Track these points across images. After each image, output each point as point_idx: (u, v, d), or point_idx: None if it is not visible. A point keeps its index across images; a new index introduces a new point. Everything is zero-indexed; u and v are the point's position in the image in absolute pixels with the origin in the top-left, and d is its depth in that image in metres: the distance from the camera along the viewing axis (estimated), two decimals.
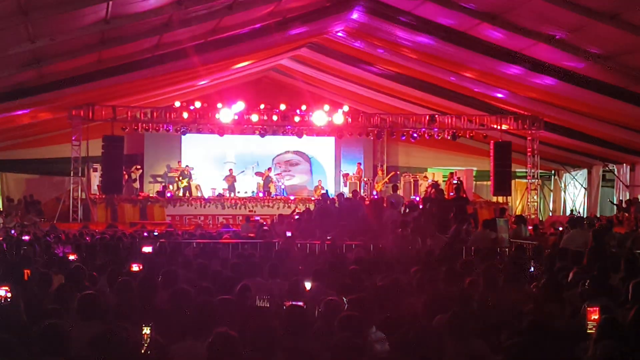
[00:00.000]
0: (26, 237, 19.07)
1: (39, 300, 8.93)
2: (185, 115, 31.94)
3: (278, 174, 36.45)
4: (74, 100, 28.60)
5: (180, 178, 34.04)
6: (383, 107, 35.08)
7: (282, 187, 35.85)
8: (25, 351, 6.33)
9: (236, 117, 32.07)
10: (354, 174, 36.06)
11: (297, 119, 33.00)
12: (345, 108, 34.36)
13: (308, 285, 9.99)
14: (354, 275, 10.51)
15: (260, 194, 34.30)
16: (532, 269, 12.06)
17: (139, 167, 34.85)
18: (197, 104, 32.28)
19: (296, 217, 23.52)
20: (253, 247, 16.51)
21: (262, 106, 33.14)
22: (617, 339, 6.57)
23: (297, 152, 37.94)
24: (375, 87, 32.65)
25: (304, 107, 33.36)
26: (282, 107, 33.18)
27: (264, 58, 30.78)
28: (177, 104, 32.42)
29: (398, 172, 36.63)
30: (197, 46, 23.50)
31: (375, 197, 30.47)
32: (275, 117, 32.85)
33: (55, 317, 7.25)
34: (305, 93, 35.53)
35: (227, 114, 31.62)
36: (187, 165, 34.79)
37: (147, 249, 14.43)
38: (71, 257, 13.25)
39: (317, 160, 38.25)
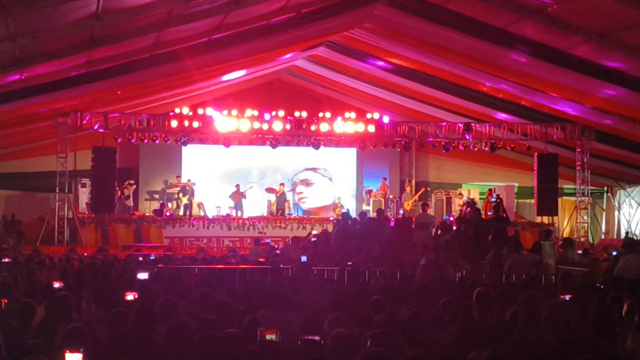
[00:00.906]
0: (5, 260, 19.12)
1: (19, 333, 8.95)
2: (186, 123, 31.95)
3: (300, 193, 36.47)
4: (60, 107, 28.76)
5: (181, 195, 34.07)
6: (411, 115, 35.07)
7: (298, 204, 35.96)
8: None
9: (244, 126, 32.02)
10: (377, 190, 36.02)
11: (313, 127, 32.99)
12: (369, 115, 34.25)
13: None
14: (378, 306, 10.51)
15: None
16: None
17: (132, 182, 34.89)
18: (200, 111, 32.19)
19: (312, 239, 23.52)
20: (263, 274, 16.48)
21: (273, 113, 32.95)
22: None
23: (314, 169, 37.96)
24: (402, 91, 32.61)
25: (321, 115, 33.29)
26: (297, 114, 33.12)
27: (275, 58, 30.82)
28: (177, 110, 32.37)
29: (428, 189, 36.58)
30: (200, 45, 23.55)
31: (403, 216, 30.41)
32: (288, 126, 32.83)
33: (38, 354, 7.28)
34: (322, 98, 35.64)
35: (233, 122, 31.65)
36: (188, 180, 34.80)
37: (143, 276, 14.44)
38: (56, 285, 13.28)
39: (336, 175, 38.26)
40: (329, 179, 38.25)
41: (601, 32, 20.49)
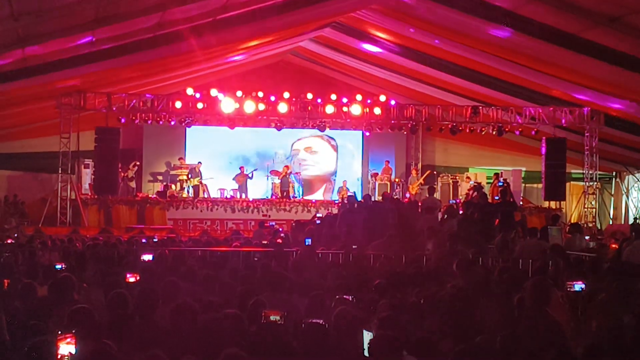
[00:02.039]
0: (8, 241, 19.15)
1: (21, 314, 8.96)
2: (190, 104, 31.90)
3: (303, 160, 36.42)
4: (63, 87, 28.71)
5: (190, 176, 34.02)
6: (418, 97, 35.01)
7: (300, 182, 35.93)
8: None
9: (249, 107, 31.95)
10: (381, 173, 35.95)
11: (318, 109, 32.89)
12: (375, 98, 34.06)
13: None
14: (382, 290, 10.49)
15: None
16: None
17: (137, 163, 34.87)
18: (204, 92, 32.10)
19: (317, 222, 23.52)
20: (267, 257, 16.48)
21: (278, 94, 32.81)
22: None
23: (321, 137, 37.92)
24: (409, 73, 32.52)
25: (326, 97, 33.13)
26: (302, 96, 32.94)
27: (281, 39, 30.74)
28: (181, 91, 32.30)
29: (435, 172, 36.55)
30: (205, 25, 23.47)
31: (409, 200, 30.39)
32: (293, 108, 32.76)
33: (39, 335, 7.27)
34: (328, 80, 35.59)
35: (238, 103, 31.60)
36: (199, 162, 34.72)
37: (147, 257, 14.45)
38: (58, 266, 13.28)
39: (342, 157, 38.28)
40: (334, 147, 38.20)
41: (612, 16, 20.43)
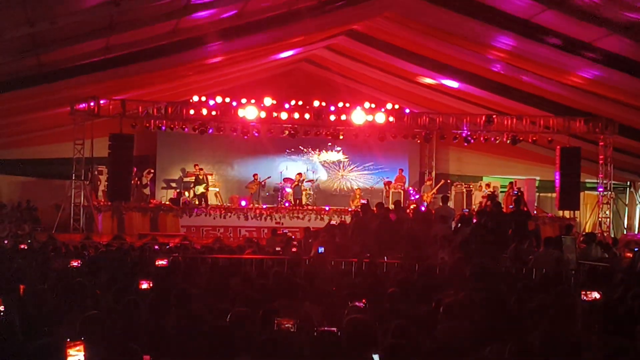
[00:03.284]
0: (21, 246, 19.23)
1: (34, 320, 9.00)
2: (204, 111, 31.96)
3: (310, 181, 36.42)
4: (77, 93, 28.76)
5: (195, 184, 34.08)
6: (432, 106, 35.02)
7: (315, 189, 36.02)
8: None
9: (263, 115, 32.03)
10: (394, 182, 35.92)
11: (332, 117, 32.89)
12: (389, 106, 34.07)
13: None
14: (395, 299, 10.49)
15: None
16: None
17: (151, 170, 34.94)
18: (218, 99, 32.14)
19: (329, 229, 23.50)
20: (280, 265, 16.50)
21: (292, 102, 32.85)
22: None
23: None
24: (423, 82, 32.50)
25: (340, 105, 33.17)
26: (316, 103, 32.99)
27: (295, 47, 30.78)
28: (195, 98, 32.38)
29: (449, 181, 36.52)
30: (219, 32, 23.52)
31: (426, 208, 30.34)
32: (307, 116, 32.75)
33: (52, 339, 7.32)
34: (342, 88, 35.53)
35: (252, 111, 31.65)
36: (201, 169, 34.75)
37: (162, 262, 14.52)
38: (74, 263, 13.45)
39: (355, 166, 38.31)
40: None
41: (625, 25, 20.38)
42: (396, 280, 13.37)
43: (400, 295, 10.72)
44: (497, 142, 33.70)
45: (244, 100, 31.93)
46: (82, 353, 6.76)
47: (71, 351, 6.67)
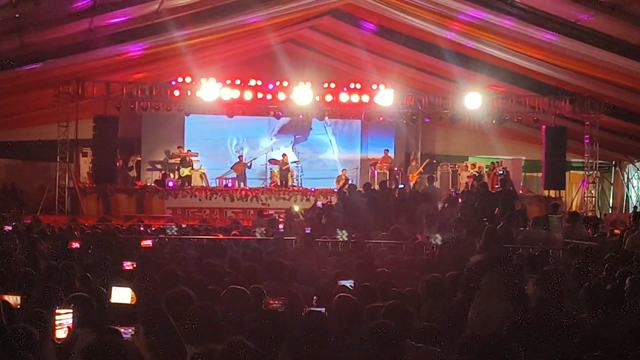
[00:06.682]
0: (7, 228, 19.17)
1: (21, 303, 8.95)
2: (188, 92, 31.77)
3: (296, 161, 36.34)
4: (62, 75, 28.64)
5: (181, 167, 34.00)
6: (418, 86, 34.96)
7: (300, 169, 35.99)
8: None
9: (248, 97, 31.91)
10: (380, 162, 35.88)
11: (317, 98, 32.76)
12: (374, 86, 33.93)
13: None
14: (385, 279, 10.50)
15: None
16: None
17: (139, 157, 34.99)
18: (203, 81, 31.83)
19: (317, 210, 23.52)
20: (266, 245, 16.50)
21: (277, 83, 32.66)
22: None
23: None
24: (407, 61, 32.44)
25: (325, 85, 33.02)
26: (302, 84, 32.85)
27: (280, 27, 30.66)
28: (180, 79, 32.14)
29: (434, 161, 36.49)
30: (203, 12, 23.44)
31: (407, 188, 30.34)
32: (292, 96, 32.57)
33: (39, 322, 7.30)
34: (327, 68, 35.46)
35: (236, 92, 31.54)
36: (188, 150, 34.74)
37: (147, 243, 14.51)
38: (75, 245, 13.57)
39: (340, 147, 38.30)
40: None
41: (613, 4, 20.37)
42: (385, 260, 13.42)
43: (389, 275, 10.73)
44: (483, 121, 33.65)
45: (228, 82, 31.76)
46: (71, 316, 6.78)
47: (60, 311, 6.71)
